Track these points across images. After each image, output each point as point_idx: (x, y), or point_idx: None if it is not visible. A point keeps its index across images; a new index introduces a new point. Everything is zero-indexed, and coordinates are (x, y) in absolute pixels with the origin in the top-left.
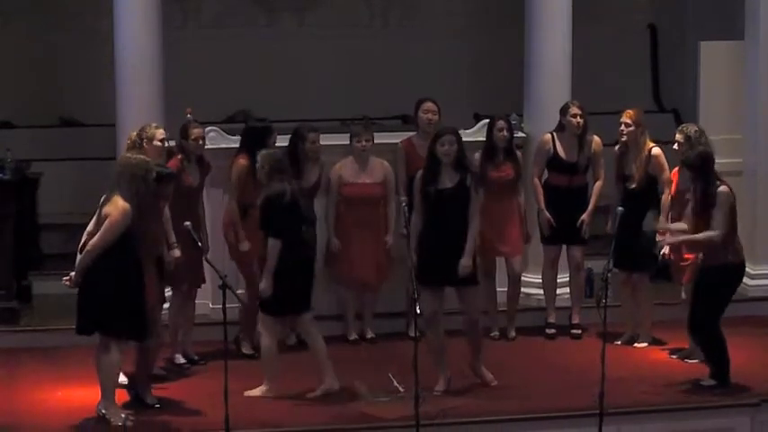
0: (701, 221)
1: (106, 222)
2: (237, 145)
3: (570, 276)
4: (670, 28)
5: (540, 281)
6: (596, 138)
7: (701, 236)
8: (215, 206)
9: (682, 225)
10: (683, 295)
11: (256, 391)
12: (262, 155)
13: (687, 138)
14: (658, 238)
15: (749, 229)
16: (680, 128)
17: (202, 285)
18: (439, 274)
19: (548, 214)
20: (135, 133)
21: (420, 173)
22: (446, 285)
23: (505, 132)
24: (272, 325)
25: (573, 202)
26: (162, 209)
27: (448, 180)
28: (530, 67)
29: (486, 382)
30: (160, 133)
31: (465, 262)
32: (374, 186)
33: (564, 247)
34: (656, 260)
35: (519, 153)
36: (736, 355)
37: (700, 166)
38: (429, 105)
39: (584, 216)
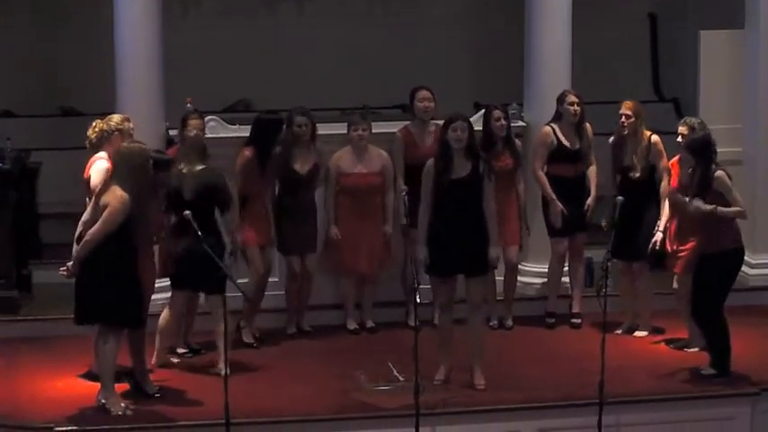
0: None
1: (105, 212)
2: (236, 134)
3: (570, 264)
4: (670, 17)
5: (538, 270)
6: (587, 124)
7: (732, 210)
8: None
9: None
10: (675, 285)
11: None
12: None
13: (692, 129)
14: (656, 235)
15: (749, 219)
16: (683, 120)
17: None
18: (453, 263)
19: (560, 205)
20: (101, 122)
21: (430, 162)
22: (459, 273)
23: (502, 121)
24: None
25: (579, 192)
26: (161, 196)
27: (461, 169)
28: (530, 56)
29: (473, 384)
30: (131, 126)
31: (495, 252)
32: (372, 176)
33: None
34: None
35: (518, 142)
36: (737, 344)
37: (701, 150)
38: (425, 93)
39: (590, 201)
